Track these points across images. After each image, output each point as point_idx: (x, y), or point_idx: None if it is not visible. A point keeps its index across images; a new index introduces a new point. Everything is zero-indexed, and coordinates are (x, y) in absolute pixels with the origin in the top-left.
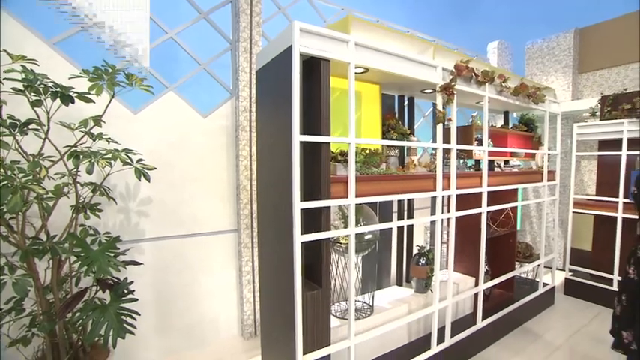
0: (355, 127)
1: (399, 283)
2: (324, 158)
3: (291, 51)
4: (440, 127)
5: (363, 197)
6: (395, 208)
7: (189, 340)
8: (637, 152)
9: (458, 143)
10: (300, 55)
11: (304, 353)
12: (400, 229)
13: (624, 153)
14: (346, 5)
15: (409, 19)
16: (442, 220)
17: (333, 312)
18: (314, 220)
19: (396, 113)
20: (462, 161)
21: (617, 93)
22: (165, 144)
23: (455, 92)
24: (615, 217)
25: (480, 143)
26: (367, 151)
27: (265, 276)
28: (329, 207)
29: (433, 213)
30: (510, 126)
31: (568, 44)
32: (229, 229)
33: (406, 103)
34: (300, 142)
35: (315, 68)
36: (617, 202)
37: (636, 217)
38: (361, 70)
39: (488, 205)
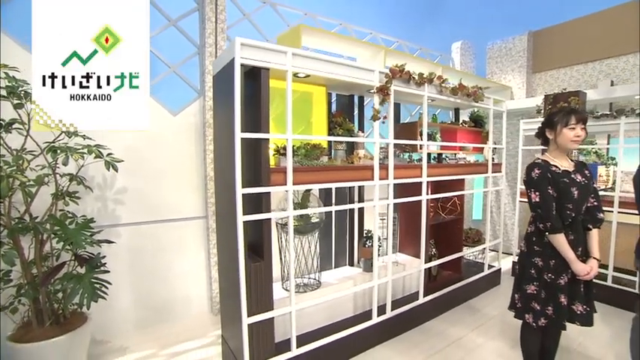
0: (308, 124)
1: (351, 263)
2: (264, 151)
3: (234, 62)
4: (377, 124)
5: (302, 184)
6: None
7: (163, 315)
8: None
9: (404, 138)
10: (244, 65)
11: (249, 316)
12: (352, 215)
13: None
14: (310, 10)
15: (381, 20)
16: (378, 205)
17: (285, 287)
18: (257, 203)
19: (345, 111)
20: (407, 154)
21: (556, 93)
22: (140, 140)
23: (390, 93)
24: None
25: (429, 138)
26: (309, 146)
27: (221, 254)
28: (269, 192)
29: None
30: (460, 122)
31: (523, 46)
32: (199, 215)
33: (356, 101)
34: (243, 139)
35: (257, 75)
36: None
37: None
38: (303, 75)
39: (434, 194)
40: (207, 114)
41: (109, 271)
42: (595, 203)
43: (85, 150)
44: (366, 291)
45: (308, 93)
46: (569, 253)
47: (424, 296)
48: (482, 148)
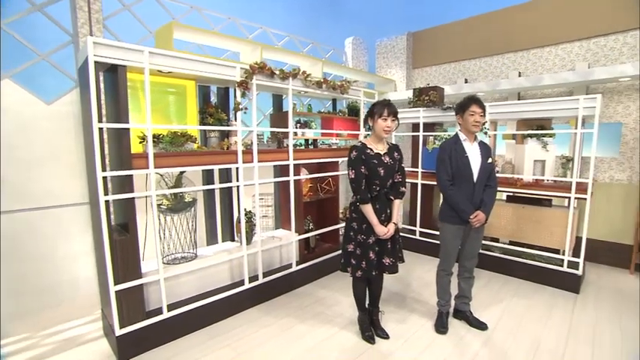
0: (183, 115)
1: (232, 239)
2: (124, 139)
3: (88, 60)
4: (239, 114)
5: (167, 168)
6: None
7: (46, 300)
8: (430, 133)
9: (279, 126)
10: (100, 62)
11: (116, 284)
12: (230, 195)
13: (421, 134)
14: (196, 3)
15: (284, 14)
16: (243, 185)
17: (165, 261)
18: (123, 185)
19: (222, 103)
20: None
21: (421, 87)
22: (11, 128)
23: (250, 87)
24: (417, 183)
25: (302, 126)
26: (174, 134)
27: (95, 233)
28: (131, 175)
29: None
30: (338, 111)
31: (403, 44)
32: (82, 201)
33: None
34: (108, 128)
35: (116, 71)
36: (417, 172)
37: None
38: (166, 70)
39: (312, 174)
40: None
41: None
42: (400, 179)
43: None
44: (242, 261)
45: (182, 86)
46: (372, 219)
47: (297, 265)
48: (358, 134)
